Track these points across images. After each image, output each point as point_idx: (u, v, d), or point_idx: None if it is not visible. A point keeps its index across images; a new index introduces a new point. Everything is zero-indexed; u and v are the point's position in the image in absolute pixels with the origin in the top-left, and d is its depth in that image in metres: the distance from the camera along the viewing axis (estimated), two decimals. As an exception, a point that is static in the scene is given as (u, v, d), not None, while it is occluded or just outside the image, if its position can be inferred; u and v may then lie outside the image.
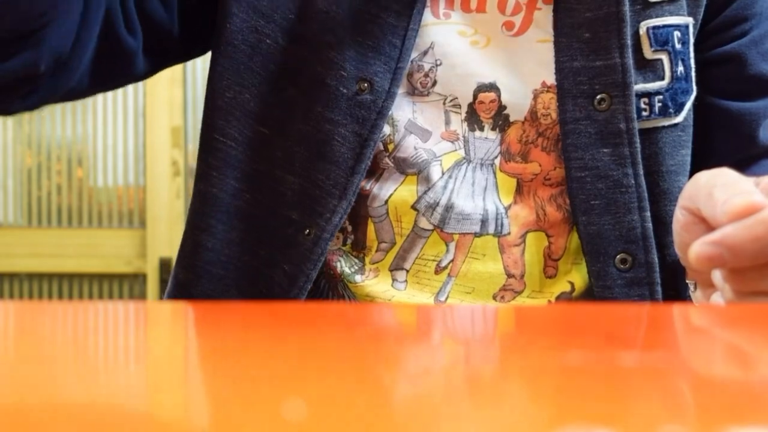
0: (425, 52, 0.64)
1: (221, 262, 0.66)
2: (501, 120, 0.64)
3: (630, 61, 0.63)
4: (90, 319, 0.34)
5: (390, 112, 0.63)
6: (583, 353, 0.28)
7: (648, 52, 0.65)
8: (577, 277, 0.67)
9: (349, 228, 0.66)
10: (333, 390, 0.23)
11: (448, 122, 0.64)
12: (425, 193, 0.64)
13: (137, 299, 2.09)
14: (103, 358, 0.28)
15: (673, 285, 0.65)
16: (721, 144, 0.69)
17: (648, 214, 0.64)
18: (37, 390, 0.23)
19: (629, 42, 0.63)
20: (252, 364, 0.26)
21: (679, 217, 0.48)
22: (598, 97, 0.63)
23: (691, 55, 0.66)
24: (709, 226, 0.44)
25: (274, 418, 0.20)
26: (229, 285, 0.66)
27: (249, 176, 0.65)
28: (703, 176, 0.47)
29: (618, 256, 0.64)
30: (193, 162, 2.04)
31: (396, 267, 0.65)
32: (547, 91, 0.64)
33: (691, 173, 0.66)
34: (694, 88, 0.67)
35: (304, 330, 0.31)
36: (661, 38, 0.65)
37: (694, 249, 0.43)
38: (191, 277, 0.67)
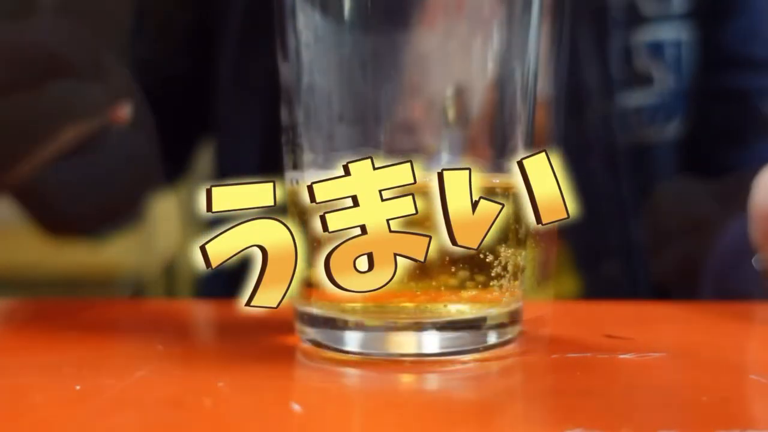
0: None
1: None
2: None
3: (613, 74, 0.63)
4: (89, 318, 0.35)
5: None
6: (581, 351, 0.28)
7: (639, 66, 0.65)
8: (571, 285, 0.67)
9: None
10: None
11: None
12: None
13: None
14: (102, 357, 0.28)
15: (665, 290, 0.65)
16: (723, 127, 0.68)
17: (632, 224, 0.64)
18: (32, 389, 0.24)
19: (611, 56, 0.63)
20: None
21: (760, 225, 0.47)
22: (581, 109, 0.63)
23: (685, 67, 0.66)
24: None
25: None
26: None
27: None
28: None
29: (603, 267, 0.64)
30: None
31: None
32: None
33: (690, 170, 0.67)
34: (688, 101, 0.67)
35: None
36: (653, 52, 0.65)
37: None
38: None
